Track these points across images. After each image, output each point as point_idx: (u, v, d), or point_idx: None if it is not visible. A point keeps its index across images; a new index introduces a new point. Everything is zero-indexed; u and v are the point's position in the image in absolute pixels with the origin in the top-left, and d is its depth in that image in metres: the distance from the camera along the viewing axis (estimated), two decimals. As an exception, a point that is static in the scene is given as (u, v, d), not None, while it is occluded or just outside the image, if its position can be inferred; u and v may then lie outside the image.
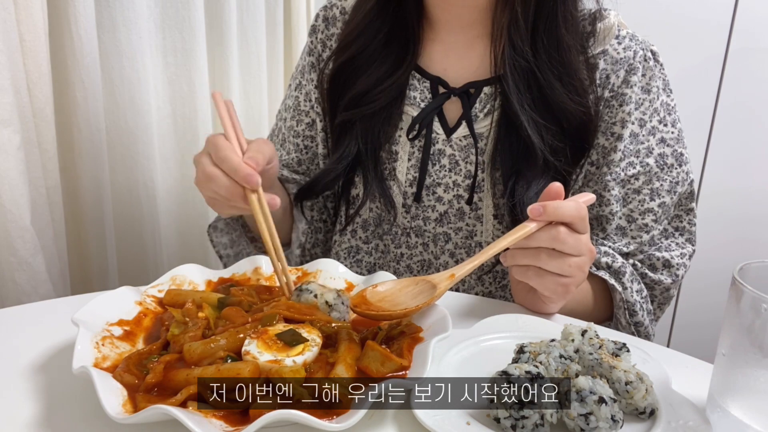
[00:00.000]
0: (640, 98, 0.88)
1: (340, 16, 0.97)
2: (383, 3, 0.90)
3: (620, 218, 0.90)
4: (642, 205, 0.89)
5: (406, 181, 0.92)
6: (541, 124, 0.85)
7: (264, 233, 0.72)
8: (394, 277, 0.72)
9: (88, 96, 1.02)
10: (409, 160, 0.92)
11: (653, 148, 0.89)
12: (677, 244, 0.92)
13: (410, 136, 0.91)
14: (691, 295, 1.83)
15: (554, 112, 0.86)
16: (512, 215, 0.87)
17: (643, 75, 0.89)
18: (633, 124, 0.88)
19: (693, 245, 0.93)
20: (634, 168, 0.89)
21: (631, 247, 0.90)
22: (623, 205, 0.90)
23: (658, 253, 0.91)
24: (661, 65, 0.90)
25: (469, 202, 0.91)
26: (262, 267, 0.76)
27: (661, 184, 0.90)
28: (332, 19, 0.98)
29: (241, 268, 0.76)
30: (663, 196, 0.90)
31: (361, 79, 0.92)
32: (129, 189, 1.16)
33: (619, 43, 0.89)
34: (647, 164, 0.89)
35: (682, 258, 0.92)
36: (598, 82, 0.88)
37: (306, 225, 0.98)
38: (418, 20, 0.92)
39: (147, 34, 1.13)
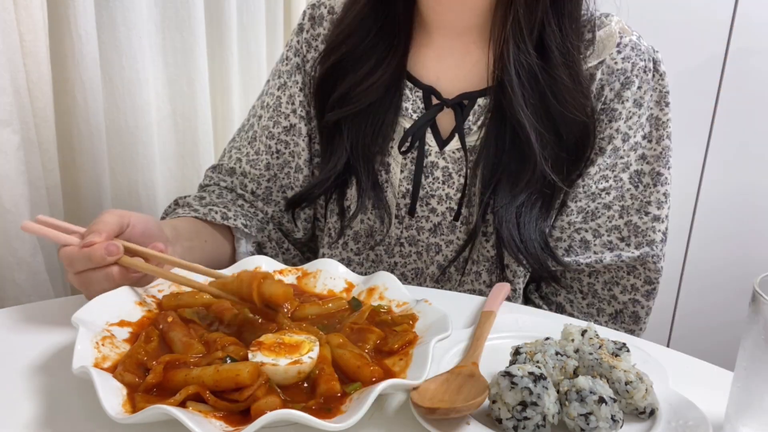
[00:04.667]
0: (630, 112, 0.86)
1: (328, 15, 0.94)
2: (374, 2, 0.87)
3: (586, 231, 0.88)
4: (610, 222, 0.88)
5: (398, 193, 0.90)
6: (542, 133, 0.82)
7: (172, 277, 0.68)
8: (394, 278, 0.72)
9: (88, 96, 1.02)
10: (402, 171, 0.90)
11: (631, 164, 0.87)
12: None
13: (402, 149, 0.89)
14: (691, 294, 1.83)
15: (555, 121, 0.83)
16: (497, 232, 0.85)
17: (639, 88, 0.86)
18: (616, 139, 0.86)
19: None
20: (607, 182, 0.87)
21: (589, 259, 0.88)
22: (591, 219, 0.88)
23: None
24: (661, 75, 0.87)
25: (456, 218, 0.89)
26: (261, 267, 0.76)
27: (632, 203, 0.87)
28: (319, 18, 0.94)
29: (240, 268, 0.76)
30: (632, 215, 0.88)
31: (347, 78, 0.89)
32: (129, 189, 1.16)
33: (619, 53, 0.85)
34: (620, 179, 0.87)
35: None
36: (594, 93, 0.85)
37: (252, 248, 0.93)
38: (408, 22, 0.89)
39: (147, 34, 1.13)
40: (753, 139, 1.72)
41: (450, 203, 0.89)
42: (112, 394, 0.52)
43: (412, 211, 0.90)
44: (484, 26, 0.87)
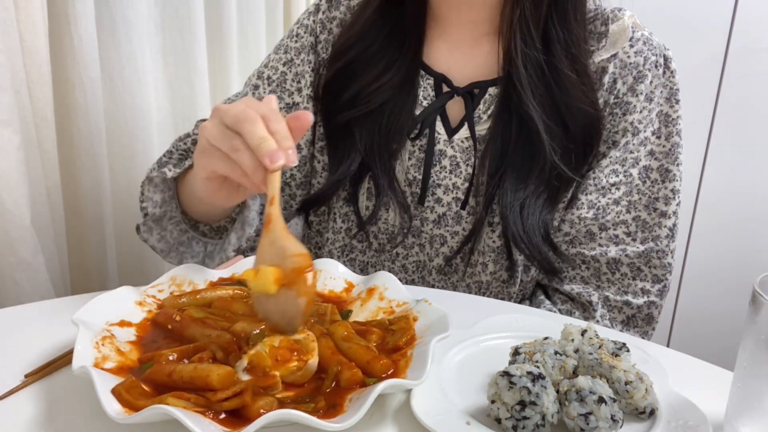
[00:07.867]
0: (642, 106, 0.87)
1: (345, 0, 0.94)
2: (384, 8, 0.88)
3: (592, 224, 0.88)
4: (618, 217, 0.88)
5: (405, 181, 0.91)
6: (550, 125, 0.84)
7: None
8: (394, 278, 0.72)
9: (88, 96, 1.02)
10: (409, 159, 0.90)
11: (640, 159, 0.88)
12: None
13: (411, 136, 0.90)
14: (691, 294, 1.84)
15: (561, 113, 0.85)
16: (503, 221, 0.85)
17: (651, 82, 0.87)
18: (629, 131, 0.87)
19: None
20: (617, 176, 0.87)
21: (594, 252, 0.88)
22: (602, 216, 0.88)
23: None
24: (672, 72, 0.88)
25: (464, 206, 0.89)
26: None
27: (640, 198, 0.88)
28: (336, 2, 0.94)
29: (241, 268, 0.76)
30: (639, 210, 0.88)
31: (357, 80, 0.89)
32: (129, 189, 1.16)
33: (632, 46, 0.87)
34: (630, 174, 0.88)
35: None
36: (606, 86, 0.87)
37: (254, 233, 0.88)
38: (420, 21, 0.90)
39: (147, 34, 1.13)
40: (753, 139, 1.72)
41: (457, 193, 0.89)
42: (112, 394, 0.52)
43: (422, 200, 0.90)
44: (495, 18, 0.88)
